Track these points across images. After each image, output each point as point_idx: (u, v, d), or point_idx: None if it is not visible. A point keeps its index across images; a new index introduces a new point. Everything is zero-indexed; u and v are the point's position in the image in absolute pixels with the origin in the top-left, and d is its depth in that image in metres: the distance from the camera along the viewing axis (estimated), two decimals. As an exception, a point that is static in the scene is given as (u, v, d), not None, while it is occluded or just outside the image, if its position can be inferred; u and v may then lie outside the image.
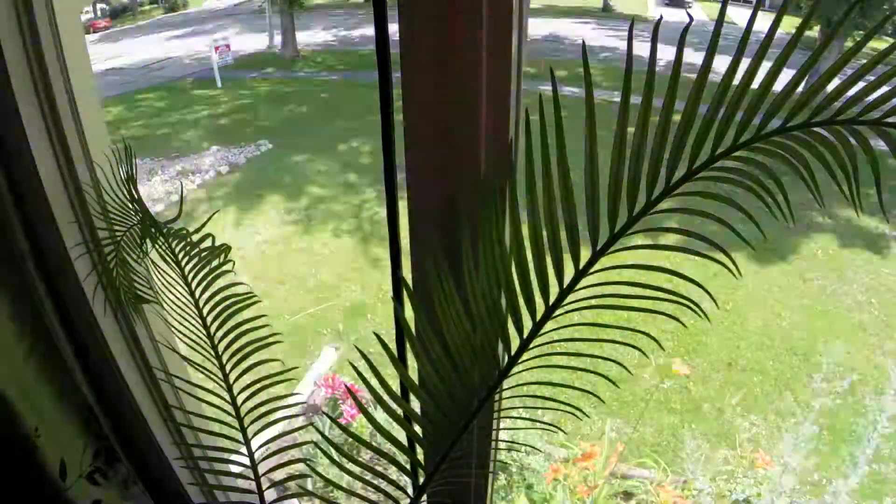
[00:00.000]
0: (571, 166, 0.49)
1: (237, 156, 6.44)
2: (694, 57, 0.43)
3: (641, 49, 0.44)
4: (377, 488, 0.72)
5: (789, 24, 0.40)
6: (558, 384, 0.60)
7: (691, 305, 0.51)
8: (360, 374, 0.62)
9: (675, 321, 0.53)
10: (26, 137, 0.79)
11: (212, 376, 0.82)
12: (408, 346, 0.66)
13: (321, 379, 2.78)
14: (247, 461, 0.83)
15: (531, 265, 0.55)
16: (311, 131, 7.23)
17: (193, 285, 0.81)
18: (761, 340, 3.69)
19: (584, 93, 0.47)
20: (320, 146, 6.73)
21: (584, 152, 0.49)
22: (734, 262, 0.48)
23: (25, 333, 0.86)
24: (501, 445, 0.83)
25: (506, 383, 0.62)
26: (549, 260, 0.54)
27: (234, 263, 0.81)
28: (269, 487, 0.83)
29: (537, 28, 12.16)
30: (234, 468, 0.89)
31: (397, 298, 0.71)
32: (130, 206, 0.82)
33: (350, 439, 2.49)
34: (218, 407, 0.84)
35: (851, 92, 0.42)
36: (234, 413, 0.82)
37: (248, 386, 0.81)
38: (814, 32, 7.70)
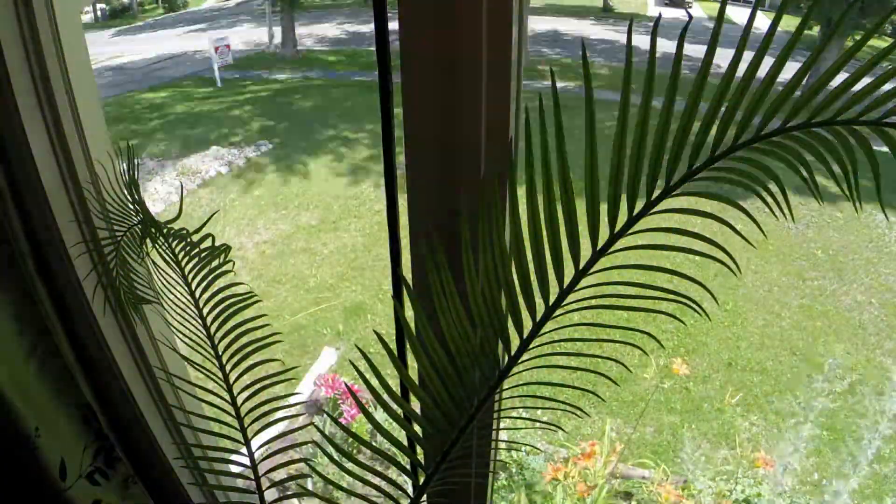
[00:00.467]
0: (571, 166, 0.49)
1: (237, 156, 6.44)
2: (691, 49, 0.43)
3: (641, 48, 0.44)
4: (377, 488, 0.72)
5: (789, 24, 0.40)
6: (558, 384, 0.60)
7: (691, 304, 0.51)
8: (360, 373, 0.62)
9: (674, 322, 0.53)
10: (26, 137, 0.79)
11: (212, 376, 0.82)
12: (408, 345, 0.66)
13: (321, 378, 2.79)
14: (247, 461, 0.83)
15: (531, 265, 0.55)
16: (312, 131, 7.23)
17: (193, 285, 0.81)
18: (761, 340, 3.70)
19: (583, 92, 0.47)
20: (320, 146, 6.73)
21: (585, 152, 0.49)
22: (735, 262, 0.48)
23: (25, 333, 0.86)
24: (501, 445, 0.83)
25: (506, 383, 0.62)
26: (549, 260, 0.54)
27: (234, 263, 0.81)
28: (269, 487, 0.83)
29: (536, 23, 12.19)
30: (234, 468, 0.89)
31: (397, 298, 0.71)
32: (130, 205, 0.82)
33: (350, 439, 2.49)
34: (218, 407, 0.84)
35: (851, 92, 0.42)
36: (234, 413, 0.82)
37: (249, 386, 0.81)
38: (814, 32, 7.70)
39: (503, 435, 0.89)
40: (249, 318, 0.82)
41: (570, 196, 0.52)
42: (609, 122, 0.48)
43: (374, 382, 0.63)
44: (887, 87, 0.40)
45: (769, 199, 0.46)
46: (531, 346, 0.58)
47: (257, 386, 0.81)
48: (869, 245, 4.72)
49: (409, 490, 0.72)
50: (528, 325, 0.58)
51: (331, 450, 0.71)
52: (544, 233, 0.53)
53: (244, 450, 0.82)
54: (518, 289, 0.56)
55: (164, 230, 0.79)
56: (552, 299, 0.56)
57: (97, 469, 0.99)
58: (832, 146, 0.43)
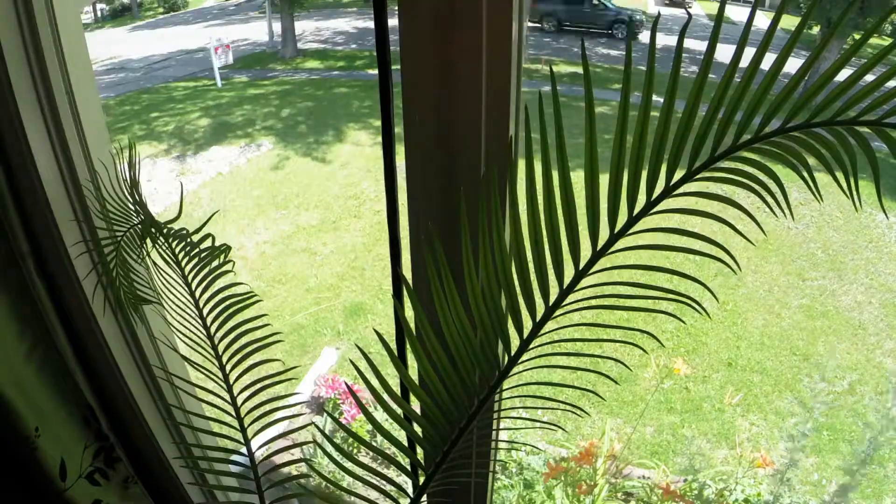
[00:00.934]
0: (572, 166, 0.49)
1: (237, 156, 6.44)
2: (691, 43, 0.43)
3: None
4: (377, 488, 0.72)
5: (790, 24, 0.40)
6: (558, 384, 0.60)
7: (691, 304, 0.51)
8: (360, 373, 0.62)
9: (674, 322, 0.53)
10: (26, 137, 0.79)
11: (212, 376, 0.82)
12: (408, 345, 0.66)
13: (321, 378, 2.79)
14: (247, 461, 0.83)
15: (531, 265, 0.55)
16: (312, 131, 7.23)
17: (193, 285, 0.81)
18: (761, 340, 3.69)
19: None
20: (320, 146, 6.73)
21: (585, 152, 0.49)
22: (735, 261, 0.48)
23: (25, 333, 0.86)
24: (501, 445, 0.83)
25: (506, 383, 0.62)
26: (549, 260, 0.54)
27: (234, 263, 0.81)
28: (269, 487, 0.83)
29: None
30: (234, 468, 0.89)
31: (397, 297, 0.71)
32: (130, 205, 0.82)
33: (350, 439, 2.49)
34: (218, 407, 0.84)
35: (851, 92, 0.42)
36: (234, 413, 0.82)
37: (249, 386, 0.81)
38: (814, 32, 7.70)
39: (503, 435, 0.89)
40: (249, 317, 0.82)
41: (570, 196, 0.52)
42: (606, 120, 0.48)
43: (374, 382, 0.63)
44: (887, 86, 0.40)
45: (769, 199, 0.46)
46: (531, 346, 0.58)
47: (257, 386, 0.81)
48: (869, 245, 4.71)
49: (409, 490, 0.72)
50: (528, 325, 0.58)
51: (331, 450, 0.71)
52: (544, 233, 0.53)
53: (244, 450, 0.82)
54: (518, 289, 0.56)
55: (164, 230, 0.79)
56: (552, 299, 0.56)
57: (97, 469, 0.99)
58: (832, 146, 0.43)
